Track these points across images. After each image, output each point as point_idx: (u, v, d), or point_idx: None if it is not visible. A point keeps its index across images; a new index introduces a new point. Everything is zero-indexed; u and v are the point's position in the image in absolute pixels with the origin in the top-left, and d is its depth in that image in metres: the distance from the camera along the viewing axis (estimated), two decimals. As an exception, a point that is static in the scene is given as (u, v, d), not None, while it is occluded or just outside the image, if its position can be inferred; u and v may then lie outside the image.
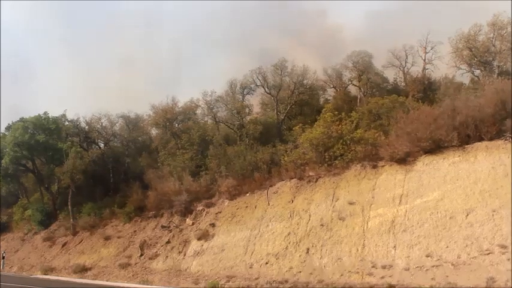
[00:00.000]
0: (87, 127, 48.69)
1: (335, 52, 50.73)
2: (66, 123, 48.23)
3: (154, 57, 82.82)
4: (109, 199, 43.75)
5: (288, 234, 30.60)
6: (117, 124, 49.05)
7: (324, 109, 36.94)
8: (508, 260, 22.67)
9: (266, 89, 43.79)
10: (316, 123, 35.58)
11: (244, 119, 42.44)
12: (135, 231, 39.73)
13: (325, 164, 32.76)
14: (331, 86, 46.72)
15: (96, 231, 41.72)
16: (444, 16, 52.82)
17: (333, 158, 32.59)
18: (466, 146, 28.79)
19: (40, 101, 73.45)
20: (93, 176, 45.93)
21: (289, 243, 30.15)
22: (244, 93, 45.10)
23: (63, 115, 48.13)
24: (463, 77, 40.59)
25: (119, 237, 39.88)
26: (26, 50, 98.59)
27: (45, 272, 39.26)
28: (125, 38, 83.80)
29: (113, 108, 54.92)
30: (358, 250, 27.33)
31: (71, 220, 43.37)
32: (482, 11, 40.00)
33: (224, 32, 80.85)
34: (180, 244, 35.72)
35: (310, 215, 30.86)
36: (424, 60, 43.01)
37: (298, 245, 29.71)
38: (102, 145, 49.81)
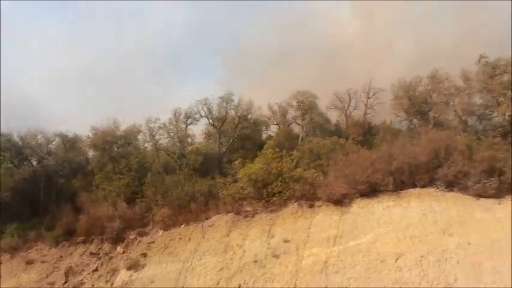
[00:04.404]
0: (20, 142, 46.41)
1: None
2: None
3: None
4: (37, 220, 41.08)
5: (221, 269, 30.04)
6: (53, 142, 47.01)
7: (266, 145, 37.16)
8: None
9: (210, 120, 43.47)
10: (256, 158, 35.61)
11: (185, 149, 41.91)
12: (62, 256, 37.57)
13: (263, 200, 32.72)
14: (275, 122, 47.27)
15: (18, 254, 38.82)
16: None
17: (271, 194, 32.58)
18: (400, 191, 29.85)
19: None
20: (22, 194, 43.35)
21: (221, 278, 29.57)
22: (188, 122, 44.57)
23: (-5, 128, 45.58)
24: (401, 124, 42.30)
25: (42, 262, 37.56)
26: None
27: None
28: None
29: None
30: (289, 289, 27.19)
31: (-9, 241, 40.69)
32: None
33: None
34: (108, 273, 34.18)
35: (244, 251, 30.51)
36: (366, 105, 44.48)
37: (231, 280, 29.18)
38: (35, 163, 47.57)
